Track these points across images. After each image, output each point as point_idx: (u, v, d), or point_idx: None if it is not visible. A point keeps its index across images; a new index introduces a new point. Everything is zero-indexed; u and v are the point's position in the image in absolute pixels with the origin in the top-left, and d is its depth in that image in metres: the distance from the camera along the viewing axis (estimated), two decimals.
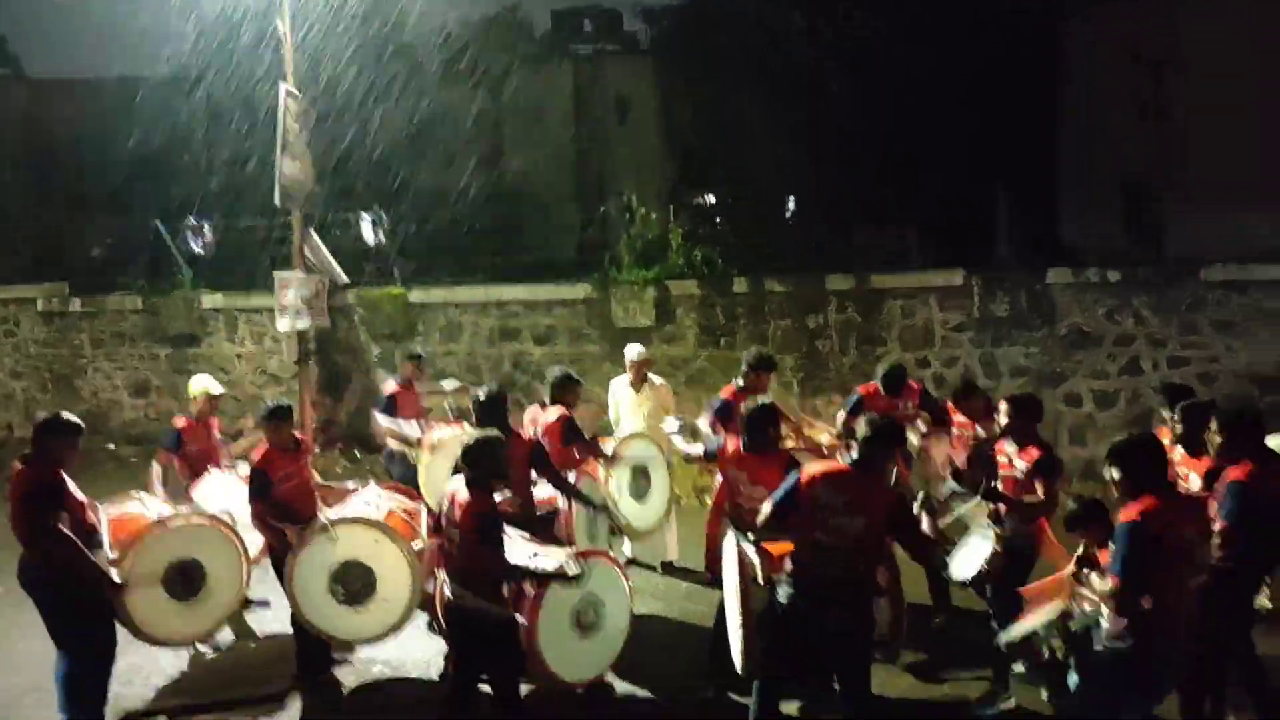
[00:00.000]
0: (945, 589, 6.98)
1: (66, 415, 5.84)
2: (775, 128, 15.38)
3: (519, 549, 5.54)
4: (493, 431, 5.60)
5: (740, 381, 7.63)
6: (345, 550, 6.36)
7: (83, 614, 5.76)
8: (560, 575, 5.39)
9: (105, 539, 5.96)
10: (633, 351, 8.79)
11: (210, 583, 6.41)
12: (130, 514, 6.47)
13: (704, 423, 7.46)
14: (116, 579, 5.81)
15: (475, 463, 5.21)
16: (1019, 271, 11.10)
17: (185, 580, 6.30)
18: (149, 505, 6.66)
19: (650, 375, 8.76)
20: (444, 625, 5.48)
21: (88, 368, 14.10)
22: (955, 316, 11.25)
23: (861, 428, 4.98)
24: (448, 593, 5.19)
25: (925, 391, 7.93)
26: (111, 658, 5.92)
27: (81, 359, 14.21)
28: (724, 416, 7.27)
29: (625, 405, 8.69)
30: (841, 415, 7.69)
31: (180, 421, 7.86)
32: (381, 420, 8.81)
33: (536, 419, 7.46)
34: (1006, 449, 6.11)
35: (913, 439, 7.31)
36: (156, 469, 7.65)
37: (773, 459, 5.86)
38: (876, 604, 5.24)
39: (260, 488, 6.45)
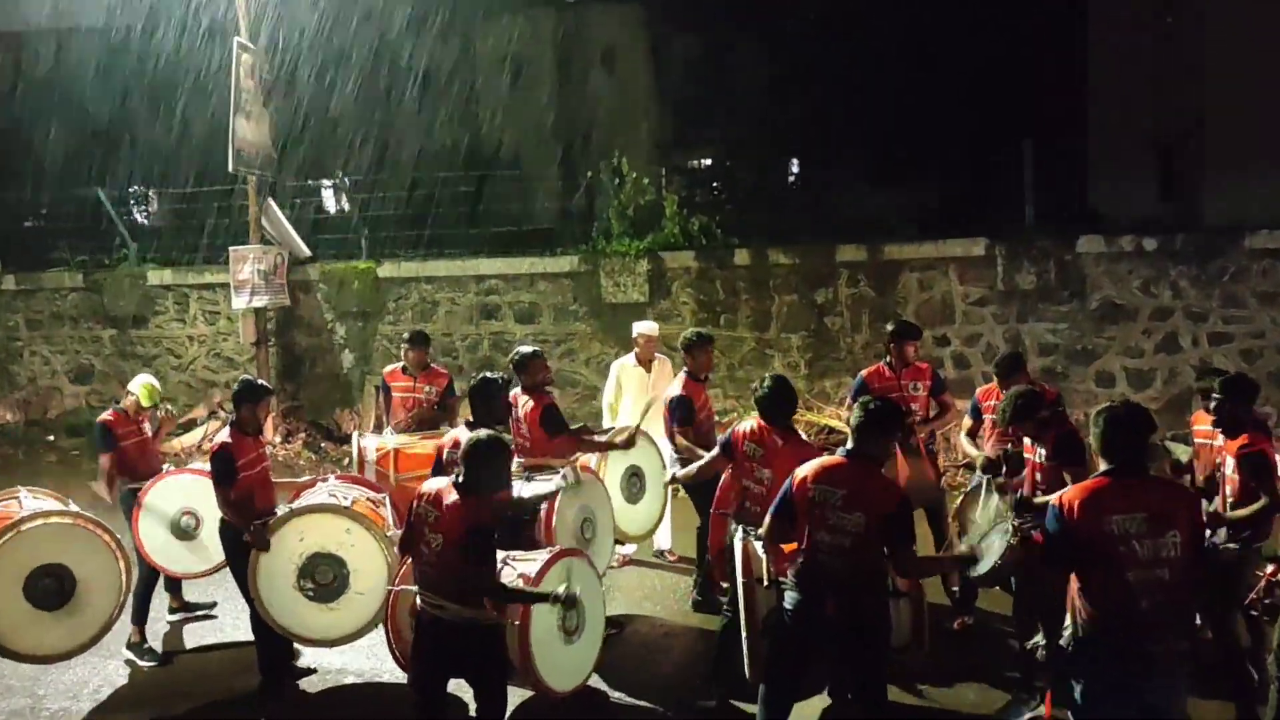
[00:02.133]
0: (972, 588, 7.02)
1: None
2: (777, 82, 15.31)
3: None
4: (492, 431, 5.33)
5: (685, 370, 7.66)
6: (314, 541, 6.35)
7: None
8: (545, 598, 5.22)
9: None
10: (643, 326, 8.72)
11: (82, 591, 6.37)
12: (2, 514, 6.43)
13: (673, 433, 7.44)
14: None
15: (475, 467, 4.94)
16: (1046, 240, 11.08)
17: (53, 589, 6.27)
18: (26, 504, 6.58)
19: (659, 355, 8.69)
20: (411, 640, 5.34)
21: (23, 351, 14.05)
22: (977, 289, 11.27)
23: (855, 413, 5.03)
24: (419, 603, 5.06)
25: (936, 373, 7.82)
26: None
27: (16, 341, 14.14)
28: (684, 414, 7.34)
29: (632, 389, 8.58)
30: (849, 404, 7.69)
31: (107, 415, 7.56)
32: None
33: (515, 405, 7.29)
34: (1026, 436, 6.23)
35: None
36: (104, 467, 7.50)
37: (790, 442, 5.89)
38: (895, 607, 5.25)
39: (227, 471, 6.36)
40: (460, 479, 4.95)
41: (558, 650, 5.74)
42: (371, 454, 7.87)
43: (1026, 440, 6.34)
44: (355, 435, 8.38)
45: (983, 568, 5.85)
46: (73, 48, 14.93)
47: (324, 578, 6.39)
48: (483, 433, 5.11)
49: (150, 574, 7.36)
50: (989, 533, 6.06)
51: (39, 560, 6.23)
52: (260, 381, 6.87)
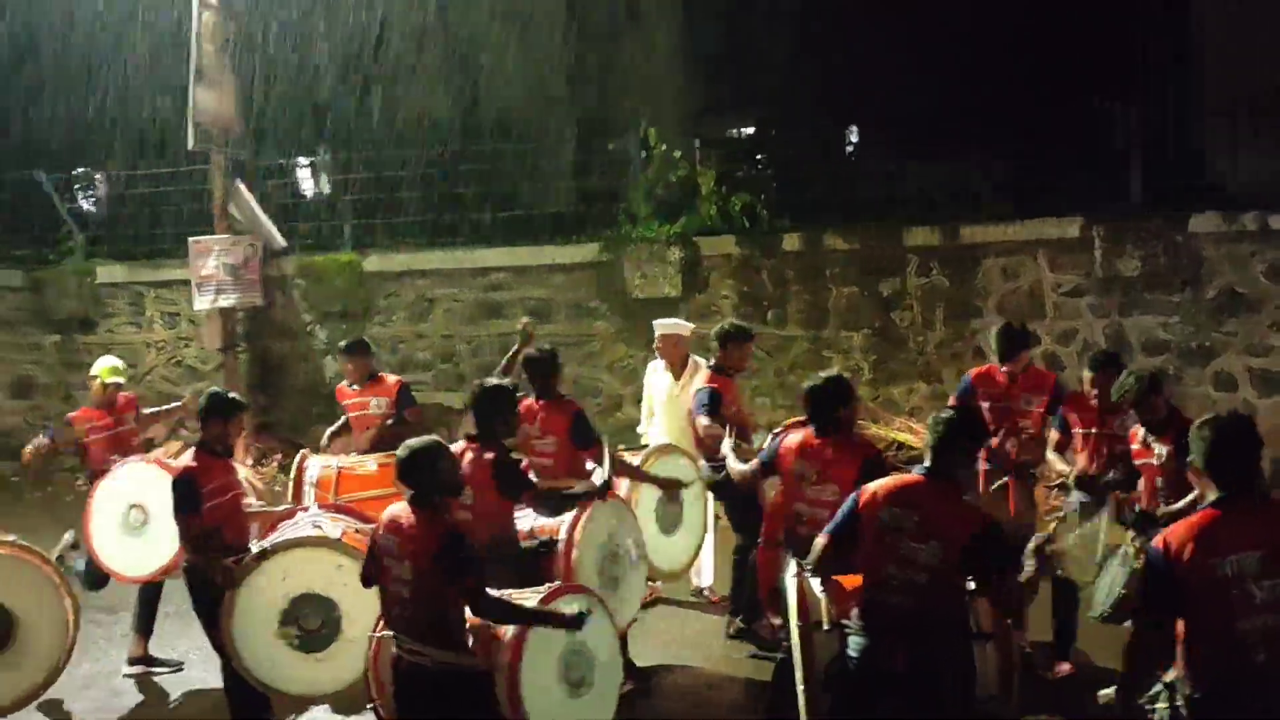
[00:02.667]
0: (1072, 628, 7.02)
1: None
2: (830, 36, 15.18)
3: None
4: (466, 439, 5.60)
5: (711, 364, 7.92)
6: (300, 582, 6.36)
7: None
8: (557, 617, 5.28)
9: None
10: (664, 324, 8.71)
11: (23, 633, 6.54)
12: None
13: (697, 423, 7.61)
14: None
15: (413, 477, 5.17)
16: (1153, 218, 10.99)
17: None
18: None
19: (698, 360, 8.61)
20: (389, 687, 5.36)
21: None
22: (1072, 278, 11.23)
23: (930, 424, 5.00)
24: (394, 650, 5.14)
25: (1060, 384, 7.63)
26: None
27: None
28: (711, 403, 7.48)
29: (660, 398, 8.62)
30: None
31: (77, 412, 8.28)
32: None
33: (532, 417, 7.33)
34: (1140, 434, 6.41)
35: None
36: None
37: (847, 450, 5.91)
38: (979, 651, 5.14)
39: (191, 500, 6.35)
40: (411, 495, 5.16)
41: (558, 704, 5.54)
42: (314, 473, 8.04)
43: (1136, 444, 6.44)
44: (305, 453, 8.48)
45: (1105, 604, 5.87)
46: (4, 7, 14.98)
47: (311, 623, 6.40)
48: (413, 440, 5.31)
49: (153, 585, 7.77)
50: (1104, 562, 5.96)
51: None
52: (232, 395, 6.93)
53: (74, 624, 6.83)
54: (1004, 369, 7.42)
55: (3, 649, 6.47)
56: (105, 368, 8.27)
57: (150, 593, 7.81)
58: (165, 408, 9.17)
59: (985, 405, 7.21)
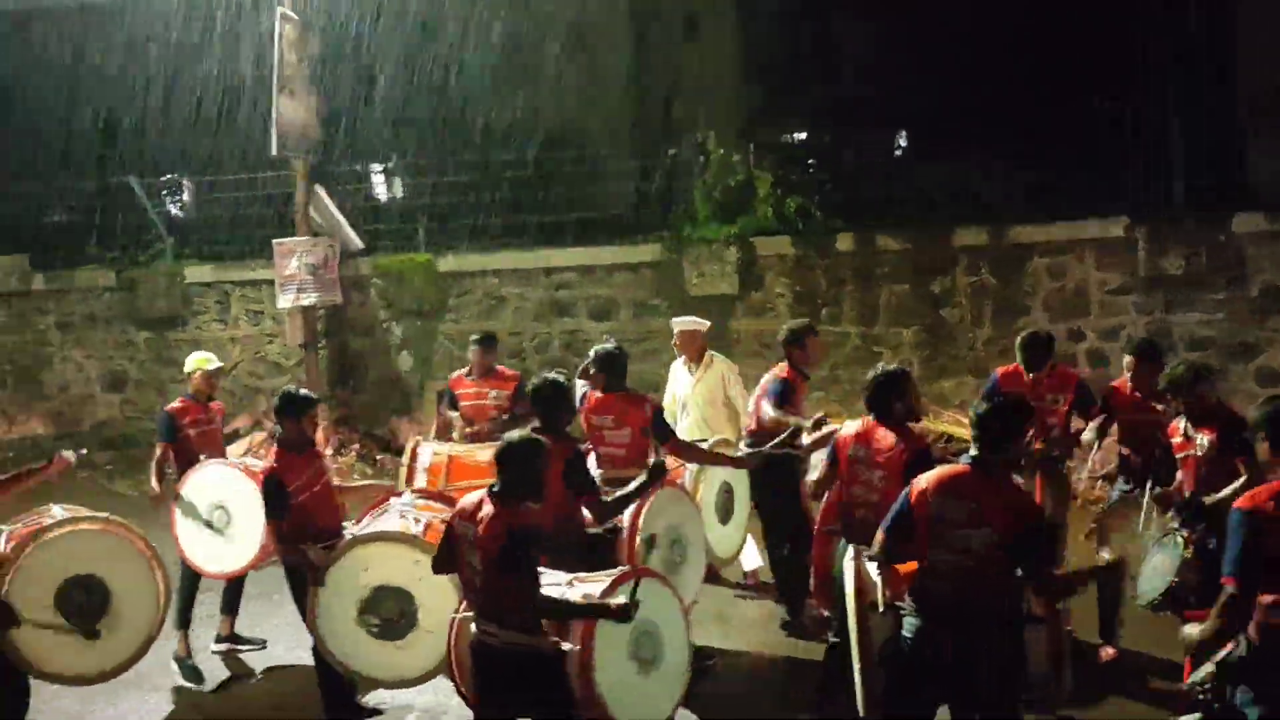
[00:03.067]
0: (1117, 614, 7.07)
1: None
2: (881, 43, 15.34)
3: (548, 581, 5.45)
4: (533, 433, 5.52)
5: (786, 361, 7.92)
6: (379, 574, 6.52)
7: None
8: (604, 609, 5.23)
9: None
10: (680, 321, 9.03)
11: (117, 604, 6.56)
12: (29, 527, 6.60)
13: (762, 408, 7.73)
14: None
15: (506, 469, 5.19)
16: (1196, 218, 11.08)
17: (86, 603, 6.45)
18: (58, 516, 6.75)
19: (713, 354, 8.92)
20: (468, 670, 5.48)
21: (54, 357, 14.48)
22: (1117, 276, 11.33)
23: (972, 413, 5.10)
24: (472, 630, 5.22)
25: (1083, 384, 7.78)
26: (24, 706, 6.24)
27: (47, 347, 14.60)
28: (783, 399, 7.58)
29: (683, 391, 8.86)
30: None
31: (176, 404, 8.28)
32: None
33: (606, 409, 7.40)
34: (1180, 426, 6.38)
35: None
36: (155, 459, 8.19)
37: (899, 440, 6.00)
38: (1030, 635, 5.21)
39: (279, 502, 6.57)
40: (495, 487, 5.18)
41: (630, 683, 5.55)
42: (426, 459, 8.23)
43: (1177, 437, 6.43)
44: (417, 439, 8.70)
45: (1151, 591, 5.80)
46: (100, 25, 15.46)
47: (389, 613, 6.54)
48: (515, 434, 5.36)
49: (192, 574, 7.89)
50: (1150, 549, 6.04)
51: (70, 571, 6.43)
52: (303, 392, 7.06)
53: (165, 600, 6.86)
54: (1029, 377, 7.53)
55: (97, 621, 6.46)
56: (200, 359, 8.38)
57: (236, 578, 8.02)
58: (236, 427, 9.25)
59: None
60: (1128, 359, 7.37)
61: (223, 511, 7.80)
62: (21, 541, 6.31)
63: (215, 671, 7.92)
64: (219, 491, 7.83)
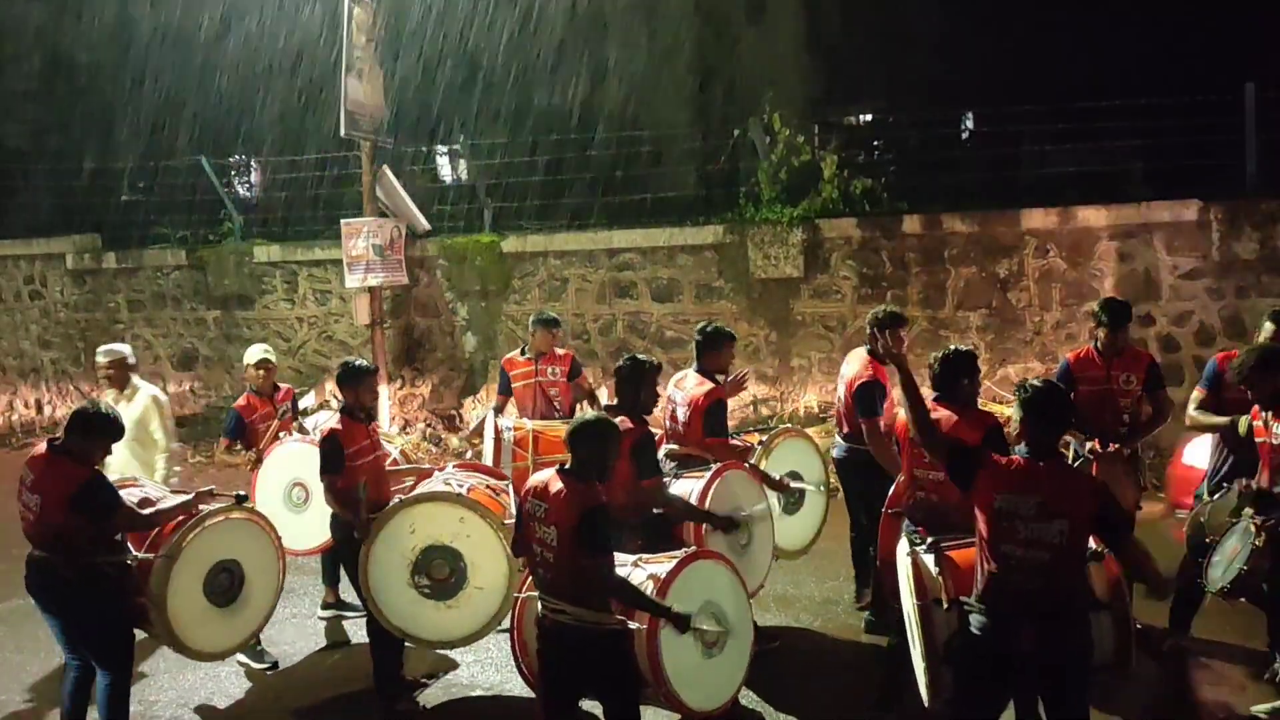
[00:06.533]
0: (1188, 606, 6.88)
1: (105, 411, 6.21)
2: (948, 22, 15.12)
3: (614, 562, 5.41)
4: (606, 412, 5.55)
5: (867, 349, 7.53)
6: (426, 534, 6.64)
7: (126, 626, 6.26)
8: (666, 611, 5.25)
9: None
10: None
11: (249, 586, 6.79)
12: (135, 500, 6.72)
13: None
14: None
15: (580, 449, 5.20)
16: (1272, 200, 10.81)
17: (226, 584, 6.69)
18: (150, 490, 6.90)
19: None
20: (533, 647, 5.47)
21: (125, 334, 14.66)
22: (1188, 260, 11.09)
23: (1014, 407, 4.98)
24: (539, 608, 5.23)
25: (1155, 365, 7.47)
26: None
27: (118, 324, 14.90)
28: (870, 402, 7.29)
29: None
30: None
31: (241, 400, 8.46)
32: None
33: (682, 387, 7.35)
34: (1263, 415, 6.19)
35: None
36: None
37: (971, 418, 5.90)
38: (1096, 621, 5.09)
39: (336, 459, 6.73)
40: (566, 465, 5.22)
41: (695, 662, 5.59)
42: (509, 434, 8.33)
43: (1259, 422, 6.24)
44: (490, 414, 8.79)
45: (1221, 578, 5.80)
46: (169, 6, 15.64)
47: (439, 573, 6.66)
48: (590, 413, 5.43)
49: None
50: (1222, 536, 5.94)
51: (217, 555, 6.63)
52: (360, 362, 7.23)
53: (282, 580, 7.05)
54: (1101, 344, 7.26)
55: (234, 601, 6.69)
56: (258, 354, 8.49)
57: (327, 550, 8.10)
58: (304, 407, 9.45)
59: (1085, 388, 7.13)
60: (1269, 326, 6.97)
61: (301, 489, 8.01)
62: (183, 529, 6.47)
63: (316, 638, 8.17)
64: (298, 469, 7.95)
